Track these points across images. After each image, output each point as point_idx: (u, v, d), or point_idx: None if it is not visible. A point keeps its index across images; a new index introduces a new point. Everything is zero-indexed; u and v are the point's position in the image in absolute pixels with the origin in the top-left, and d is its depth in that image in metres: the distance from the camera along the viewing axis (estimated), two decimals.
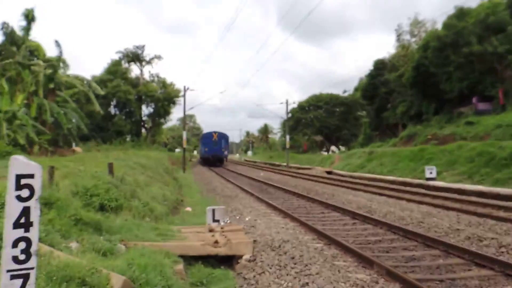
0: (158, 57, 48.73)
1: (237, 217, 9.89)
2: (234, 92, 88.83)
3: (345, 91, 58.85)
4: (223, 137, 41.79)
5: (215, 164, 39.99)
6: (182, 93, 45.30)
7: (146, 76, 49.75)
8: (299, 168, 36.65)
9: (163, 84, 48.95)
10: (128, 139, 38.26)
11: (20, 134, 16.84)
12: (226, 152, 42.46)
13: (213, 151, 40.99)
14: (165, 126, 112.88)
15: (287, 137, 41.54)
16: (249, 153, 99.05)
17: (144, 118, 50.44)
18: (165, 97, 47.90)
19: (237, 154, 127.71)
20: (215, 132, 42.04)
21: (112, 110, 46.32)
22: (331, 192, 15.41)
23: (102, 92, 26.50)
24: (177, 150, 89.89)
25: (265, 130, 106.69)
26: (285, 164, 42.16)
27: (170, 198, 11.69)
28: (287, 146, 41.19)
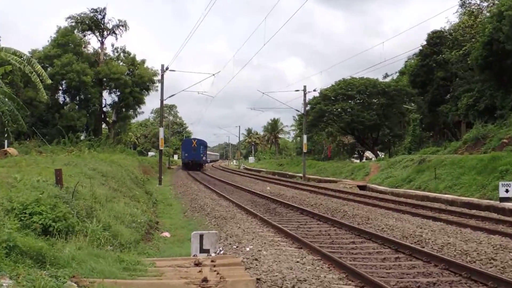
0: (124, 25, 48.64)
1: (234, 246, 10.11)
2: (230, 74, 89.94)
3: (386, 76, 59.37)
4: (201, 143, 61.79)
5: (195, 168, 57.68)
6: (158, 76, 44.83)
7: (109, 51, 50.15)
8: (320, 181, 37.09)
9: (132, 62, 49.34)
10: (82, 137, 37.92)
11: None
12: (204, 158, 62.93)
13: (192, 156, 59.39)
14: (134, 121, 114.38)
15: (304, 138, 41.87)
16: (251, 159, 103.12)
17: (105, 109, 50.80)
18: (135, 81, 48.08)
19: (234, 161, 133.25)
20: (194, 139, 64.02)
21: (61, 97, 46.60)
22: (365, 214, 15.54)
23: (48, 81, 26.36)
24: (151, 153, 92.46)
25: (273, 128, 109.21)
26: (300, 175, 42.68)
27: (141, 219, 11.80)
28: (304, 149, 41.53)
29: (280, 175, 51.60)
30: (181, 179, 36.98)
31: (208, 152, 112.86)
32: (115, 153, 33.20)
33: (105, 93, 49.35)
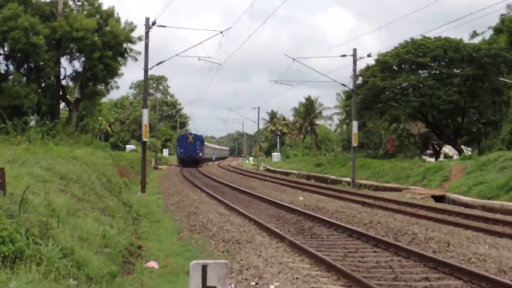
0: None
1: (253, 283, 10.32)
2: (246, 33, 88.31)
3: (474, 35, 58.33)
4: (198, 139, 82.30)
5: (191, 164, 74.72)
6: (141, 35, 46.01)
7: (70, 1, 50.29)
8: (377, 189, 37.80)
9: (103, 16, 49.12)
10: (33, 122, 37.99)
11: None
12: (201, 154, 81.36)
13: (188, 152, 77.96)
14: (106, 100, 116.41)
15: (354, 125, 41.77)
16: (276, 156, 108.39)
17: (65, 83, 51.24)
18: (107, 42, 47.38)
19: (250, 159, 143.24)
20: (190, 134, 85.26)
21: (1, 65, 46.99)
22: (443, 238, 15.62)
23: None
24: (130, 147, 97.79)
25: (308, 111, 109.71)
26: (348, 179, 43.45)
27: (117, 242, 11.84)
28: (354, 143, 41.45)
29: (319, 179, 51.84)
30: (173, 184, 37.26)
31: (211, 145, 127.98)
32: (79, 146, 33.50)
33: (64, 60, 49.61)
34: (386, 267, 11.94)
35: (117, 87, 53.40)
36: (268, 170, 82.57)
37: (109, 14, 49.48)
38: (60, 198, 12.75)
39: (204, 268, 8.38)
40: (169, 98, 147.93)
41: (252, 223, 18.32)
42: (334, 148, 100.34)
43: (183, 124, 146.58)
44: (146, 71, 33.88)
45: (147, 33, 33.52)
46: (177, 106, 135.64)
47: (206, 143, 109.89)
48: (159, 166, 69.69)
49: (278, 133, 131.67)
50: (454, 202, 27.46)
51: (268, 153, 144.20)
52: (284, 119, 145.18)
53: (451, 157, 64.02)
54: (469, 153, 52.11)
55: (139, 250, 13.33)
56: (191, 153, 78.58)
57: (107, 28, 48.41)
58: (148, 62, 33.81)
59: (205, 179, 46.55)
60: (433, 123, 54.61)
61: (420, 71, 52.03)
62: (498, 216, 21.05)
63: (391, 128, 63.03)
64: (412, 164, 43.14)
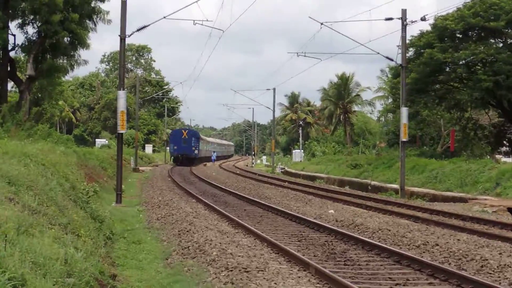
0: None
1: None
2: None
3: None
4: (193, 134, 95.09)
5: (185, 163, 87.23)
6: None
7: None
8: (433, 199, 38.02)
9: None
10: None
11: None
12: (196, 152, 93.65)
13: (182, 149, 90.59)
14: (69, 78, 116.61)
15: (404, 113, 41.32)
16: (297, 154, 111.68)
17: (14, 55, 51.59)
18: (71, 1, 47.49)
19: (263, 158, 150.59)
20: (184, 130, 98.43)
21: None
22: None
23: None
24: (102, 141, 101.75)
25: (340, 93, 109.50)
26: (395, 186, 43.83)
27: (83, 269, 11.76)
28: (403, 136, 41.09)
29: (355, 185, 52.46)
30: (160, 192, 37.40)
31: (210, 139, 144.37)
32: (34, 139, 33.45)
33: (13, 26, 49.67)
34: None
35: (85, 62, 54.14)
36: (287, 173, 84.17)
37: None
38: (7, 211, 12.60)
39: None
40: (153, 76, 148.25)
41: (266, 245, 18.31)
42: (376, 143, 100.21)
43: (173, 111, 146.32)
44: (123, 39, 33.13)
45: None
46: (165, 87, 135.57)
47: (203, 137, 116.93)
48: (141, 168, 70.07)
49: (301, 123, 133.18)
50: None
51: (287, 150, 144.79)
52: (308, 104, 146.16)
53: None
54: None
55: (113, 280, 13.20)
56: (185, 150, 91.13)
57: None
58: (126, 27, 33.13)
59: (202, 185, 46.73)
60: (509, 111, 53.55)
61: (492, 40, 51.58)
62: None
63: (453, 118, 62.62)
64: (482, 165, 42.36)
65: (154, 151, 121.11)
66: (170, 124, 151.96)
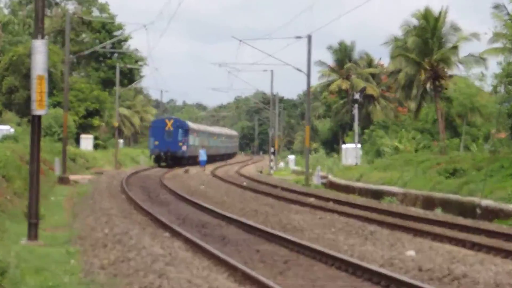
0: None
1: None
2: None
3: None
4: (180, 125, 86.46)
5: (171, 163, 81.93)
6: None
7: None
8: None
9: None
10: None
11: None
12: (184, 148, 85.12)
13: (166, 146, 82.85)
14: None
15: None
16: (349, 152, 78.65)
17: None
18: None
19: (289, 159, 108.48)
20: (169, 119, 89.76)
21: None
22: None
23: None
24: (2, 129, 65.03)
25: (423, 43, 75.91)
26: None
27: None
28: None
29: (453, 207, 43.83)
30: (106, 220, 30.61)
31: (202, 128, 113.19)
32: None
33: None
34: None
35: None
36: (331, 185, 63.95)
37: None
38: None
39: None
40: (96, 12, 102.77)
41: None
42: (491, 133, 73.43)
43: (130, 76, 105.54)
44: None
45: None
46: (116, 34, 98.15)
47: (195, 127, 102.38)
48: (73, 177, 57.10)
49: (357, 97, 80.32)
50: None
51: (331, 144, 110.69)
52: (370, 63, 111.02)
53: None
54: None
55: None
56: (170, 147, 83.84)
57: None
58: None
59: (182, 207, 39.62)
60: None
61: None
62: None
63: None
64: None
65: (98, 146, 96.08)
66: (126, 97, 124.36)
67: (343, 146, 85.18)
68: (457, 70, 78.71)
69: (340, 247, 24.51)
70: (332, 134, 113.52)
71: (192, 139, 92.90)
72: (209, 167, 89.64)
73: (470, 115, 78.34)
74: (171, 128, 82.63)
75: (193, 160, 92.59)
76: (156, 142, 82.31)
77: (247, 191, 53.53)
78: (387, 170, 60.59)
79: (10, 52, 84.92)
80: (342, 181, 62.58)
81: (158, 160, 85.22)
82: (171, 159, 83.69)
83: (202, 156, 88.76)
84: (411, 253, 23.67)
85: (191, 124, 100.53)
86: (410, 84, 79.63)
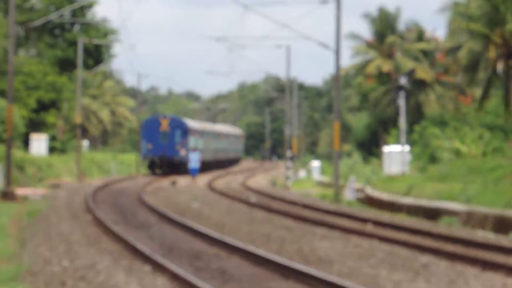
0: None
1: None
2: None
3: None
4: (178, 125, 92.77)
5: (168, 170, 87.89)
6: None
7: None
8: None
9: None
10: None
11: None
12: (183, 153, 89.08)
13: (161, 149, 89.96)
14: None
15: None
16: (394, 156, 73.05)
17: None
18: None
19: (313, 166, 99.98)
20: (164, 117, 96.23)
21: None
22: None
23: None
24: None
25: (493, 12, 70.61)
26: None
27: None
28: None
29: None
30: (65, 248, 30.76)
31: (200, 127, 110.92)
32: None
33: None
34: None
35: None
36: (369, 200, 60.23)
37: None
38: None
39: None
40: None
41: None
42: None
43: (97, 54, 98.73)
44: None
45: None
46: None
47: (195, 126, 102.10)
48: (20, 190, 55.93)
49: (403, 82, 72.56)
50: None
51: (369, 146, 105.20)
52: (420, 36, 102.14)
53: None
54: None
55: None
56: (166, 151, 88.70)
57: None
58: None
59: (167, 231, 38.54)
60: None
61: None
62: None
63: None
64: None
65: (54, 150, 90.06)
66: (92, 84, 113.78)
67: (385, 148, 78.74)
68: None
69: (382, 285, 23.62)
70: (370, 132, 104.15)
71: (194, 141, 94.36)
72: (204, 178, 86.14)
73: None
74: (167, 129, 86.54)
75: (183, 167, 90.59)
76: (149, 146, 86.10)
77: (256, 210, 51.39)
78: (445, 180, 56.50)
79: None
80: (385, 196, 58.28)
81: (152, 167, 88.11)
82: (168, 165, 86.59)
83: (193, 161, 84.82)
84: None
85: (191, 123, 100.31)
86: (475, 64, 74.84)
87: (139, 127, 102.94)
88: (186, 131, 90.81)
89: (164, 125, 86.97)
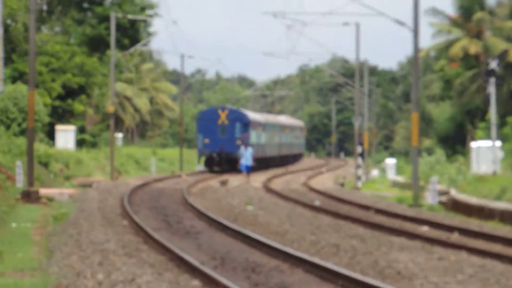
0: None
1: None
2: None
3: None
4: (238, 117, 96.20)
5: (226, 167, 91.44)
6: None
7: None
8: None
9: None
10: None
11: None
12: (245, 148, 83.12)
13: (220, 144, 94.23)
14: None
15: None
16: (483, 152, 73.45)
17: None
18: None
19: (388, 162, 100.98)
20: (222, 109, 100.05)
21: None
22: None
23: None
24: None
25: None
26: None
27: None
28: None
29: None
30: (98, 260, 30.87)
31: (272, 122, 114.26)
32: None
33: None
34: None
35: None
36: (455, 205, 59.07)
37: None
38: None
39: None
40: None
41: None
42: None
43: (133, 32, 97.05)
44: None
45: None
46: None
47: (256, 118, 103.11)
48: (45, 190, 54.54)
49: (494, 66, 74.61)
50: None
51: (453, 142, 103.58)
52: None
53: None
54: None
55: None
56: (224, 146, 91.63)
57: None
58: None
59: (218, 240, 38.85)
60: None
61: None
62: None
63: None
64: None
65: (83, 144, 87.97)
66: (126, 65, 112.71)
67: (473, 144, 75.67)
68: None
69: None
70: (455, 125, 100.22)
71: (255, 135, 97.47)
72: (259, 177, 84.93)
73: None
74: (226, 121, 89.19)
75: (258, 164, 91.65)
76: (206, 141, 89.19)
77: (322, 215, 51.58)
78: None
79: None
80: (473, 200, 55.85)
81: (209, 163, 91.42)
82: (227, 162, 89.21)
83: (246, 157, 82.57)
84: None
85: (252, 115, 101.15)
86: None
87: (180, 118, 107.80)
88: (247, 124, 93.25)
89: (223, 117, 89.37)
